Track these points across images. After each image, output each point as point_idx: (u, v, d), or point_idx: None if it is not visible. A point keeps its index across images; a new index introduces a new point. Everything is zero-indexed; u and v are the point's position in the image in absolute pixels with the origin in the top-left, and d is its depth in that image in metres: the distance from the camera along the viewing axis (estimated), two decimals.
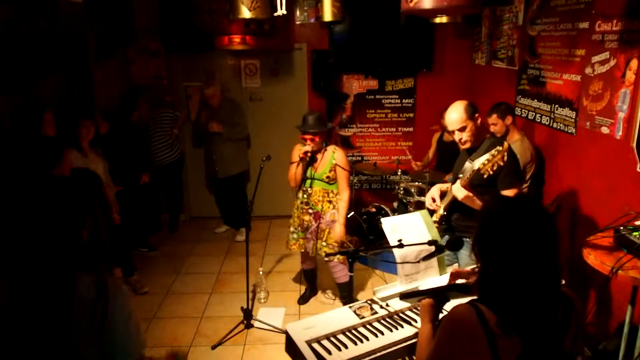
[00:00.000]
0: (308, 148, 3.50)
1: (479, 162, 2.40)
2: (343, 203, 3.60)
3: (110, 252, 1.50)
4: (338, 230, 3.59)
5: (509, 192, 2.60)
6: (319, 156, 3.59)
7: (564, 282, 2.37)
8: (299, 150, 3.57)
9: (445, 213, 2.84)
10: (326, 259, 3.68)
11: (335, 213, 3.60)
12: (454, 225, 2.86)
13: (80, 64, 4.38)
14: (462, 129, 2.65)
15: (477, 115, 2.67)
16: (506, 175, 2.58)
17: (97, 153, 3.72)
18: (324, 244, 3.64)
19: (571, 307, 1.34)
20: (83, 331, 1.36)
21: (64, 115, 3.58)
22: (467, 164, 2.58)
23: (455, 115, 2.65)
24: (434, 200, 2.89)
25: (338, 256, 3.56)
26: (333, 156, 3.56)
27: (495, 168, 2.36)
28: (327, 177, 3.58)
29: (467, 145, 2.71)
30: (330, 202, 3.61)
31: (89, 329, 1.36)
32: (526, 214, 1.31)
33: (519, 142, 3.58)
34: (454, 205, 2.78)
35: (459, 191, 2.58)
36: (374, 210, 4.86)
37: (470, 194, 2.55)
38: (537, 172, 3.66)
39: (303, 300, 4.06)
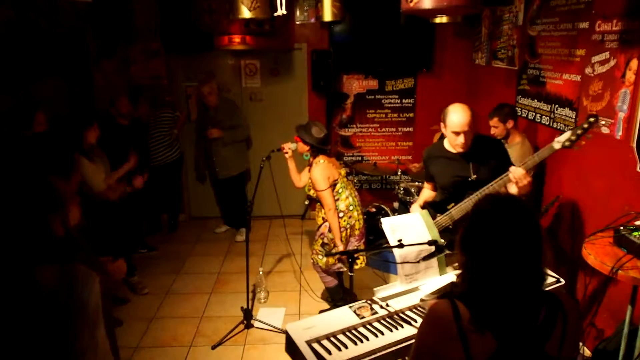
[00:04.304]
0: (285, 145, 3.58)
1: (559, 142, 2.31)
2: (329, 219, 3.44)
3: (85, 246, 1.52)
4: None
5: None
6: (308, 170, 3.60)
7: (563, 281, 2.39)
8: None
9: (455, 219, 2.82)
10: (331, 263, 3.69)
11: (326, 232, 3.54)
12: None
13: (80, 64, 4.38)
14: (469, 131, 2.65)
15: None
16: (508, 163, 2.66)
17: (99, 155, 3.73)
18: (312, 252, 3.69)
19: (558, 309, 1.33)
20: (52, 321, 1.38)
21: (69, 116, 3.56)
22: (550, 146, 2.40)
23: (466, 115, 2.63)
24: None
25: (320, 264, 3.58)
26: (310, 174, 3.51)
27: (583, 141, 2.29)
28: (308, 195, 3.62)
29: (464, 150, 2.70)
30: (323, 218, 3.57)
31: (56, 318, 1.38)
32: (511, 214, 1.32)
33: (519, 145, 3.58)
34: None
35: (524, 176, 2.43)
36: (374, 210, 4.85)
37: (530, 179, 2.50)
38: (538, 173, 3.66)
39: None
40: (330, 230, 3.50)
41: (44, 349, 1.37)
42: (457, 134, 2.65)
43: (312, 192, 3.55)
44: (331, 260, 3.52)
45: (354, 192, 3.61)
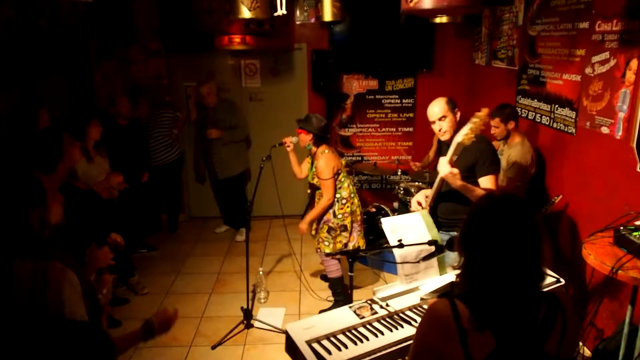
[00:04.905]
0: (287, 139, 3.68)
1: (460, 135, 2.49)
2: (321, 203, 3.60)
3: (62, 244, 1.51)
4: (301, 225, 3.69)
5: (487, 179, 2.70)
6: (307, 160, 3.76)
7: (563, 281, 2.39)
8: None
9: (431, 204, 2.91)
10: (326, 257, 3.72)
11: (331, 217, 3.63)
12: (440, 220, 2.88)
13: (80, 64, 4.39)
14: (442, 119, 2.77)
15: (456, 109, 2.80)
16: (483, 163, 2.71)
17: (101, 154, 3.72)
18: (317, 242, 3.75)
19: (557, 308, 1.33)
20: (25, 316, 1.38)
21: (70, 115, 3.57)
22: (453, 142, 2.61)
23: (436, 106, 2.79)
24: (420, 204, 2.97)
25: (327, 251, 3.65)
26: (315, 164, 3.61)
27: (476, 136, 2.47)
28: (312, 184, 3.69)
29: (447, 136, 2.80)
30: None
31: (31, 314, 1.38)
32: (510, 213, 1.33)
33: (519, 146, 3.58)
34: (439, 197, 2.85)
35: (443, 167, 2.58)
36: (374, 210, 4.85)
37: (455, 171, 2.56)
38: (538, 173, 3.66)
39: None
40: (335, 216, 3.62)
41: (21, 345, 1.37)
42: (433, 123, 2.83)
43: (315, 181, 3.64)
44: (338, 245, 3.62)
45: (351, 181, 3.79)
